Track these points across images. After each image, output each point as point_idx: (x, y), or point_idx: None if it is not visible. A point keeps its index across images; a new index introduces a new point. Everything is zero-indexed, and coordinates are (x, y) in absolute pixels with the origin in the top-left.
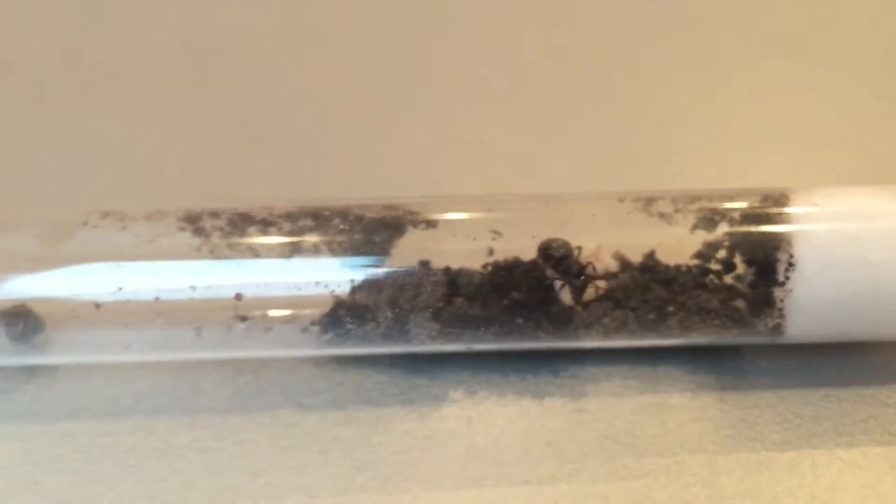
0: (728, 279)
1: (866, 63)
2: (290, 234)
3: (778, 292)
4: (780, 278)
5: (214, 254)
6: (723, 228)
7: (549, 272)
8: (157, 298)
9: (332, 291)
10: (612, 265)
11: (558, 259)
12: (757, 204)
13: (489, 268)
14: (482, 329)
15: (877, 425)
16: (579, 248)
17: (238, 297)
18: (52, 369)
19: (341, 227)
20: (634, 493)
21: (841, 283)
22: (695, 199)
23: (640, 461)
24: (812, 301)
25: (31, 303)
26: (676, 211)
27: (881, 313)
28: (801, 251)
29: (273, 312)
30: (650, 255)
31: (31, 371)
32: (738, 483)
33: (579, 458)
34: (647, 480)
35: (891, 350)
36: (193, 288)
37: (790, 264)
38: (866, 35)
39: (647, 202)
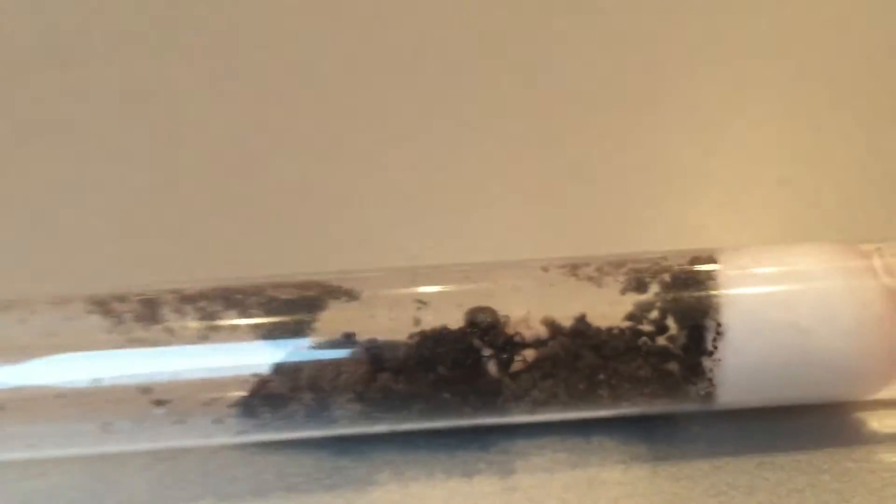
0: (661, 341)
1: (795, 121)
2: (205, 317)
3: (707, 362)
4: (709, 347)
5: (125, 338)
6: (654, 289)
7: (476, 342)
8: (59, 396)
9: (251, 374)
10: (542, 331)
11: (485, 328)
12: (685, 266)
13: (416, 338)
14: (408, 407)
15: (812, 495)
16: (507, 316)
17: (146, 390)
18: None
19: (256, 308)
20: None
21: (771, 349)
22: (621, 263)
23: None
24: (742, 369)
25: None
26: (605, 275)
27: (813, 377)
28: (729, 317)
29: (188, 398)
30: (581, 319)
31: None
32: None
33: None
34: None
35: (825, 411)
36: (99, 380)
37: (718, 332)
38: (792, 86)
39: (573, 268)
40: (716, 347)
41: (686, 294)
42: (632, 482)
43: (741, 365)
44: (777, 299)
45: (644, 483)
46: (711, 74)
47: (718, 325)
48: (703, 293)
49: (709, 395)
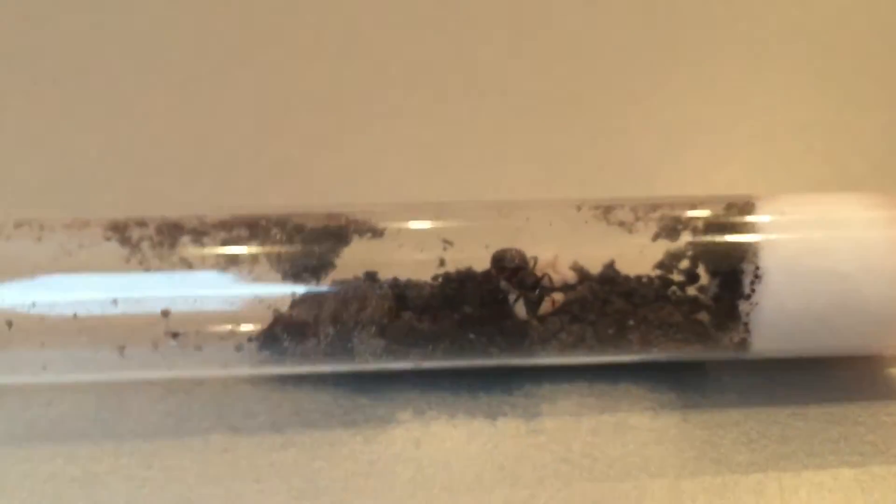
0: (691, 291)
1: (831, 70)
2: (225, 243)
3: (743, 306)
4: (746, 291)
5: (143, 265)
6: (685, 238)
7: (503, 284)
8: (75, 315)
9: (270, 306)
10: (570, 276)
11: (512, 270)
12: (721, 212)
13: (440, 280)
14: (431, 345)
15: (846, 445)
16: (535, 258)
17: (165, 313)
18: None
19: (280, 237)
20: None
21: (809, 295)
22: (656, 207)
23: (598, 486)
24: (779, 315)
25: None
26: (637, 219)
27: (851, 326)
28: (767, 262)
29: (205, 329)
30: (610, 266)
31: None
32: None
33: (534, 483)
34: None
35: (860, 365)
36: (115, 303)
37: (756, 276)
38: (830, 44)
39: (606, 210)
40: (753, 291)
41: (722, 239)
42: (661, 428)
43: (778, 310)
44: (817, 245)
45: (674, 430)
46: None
47: (757, 268)
48: (740, 238)
49: (743, 342)
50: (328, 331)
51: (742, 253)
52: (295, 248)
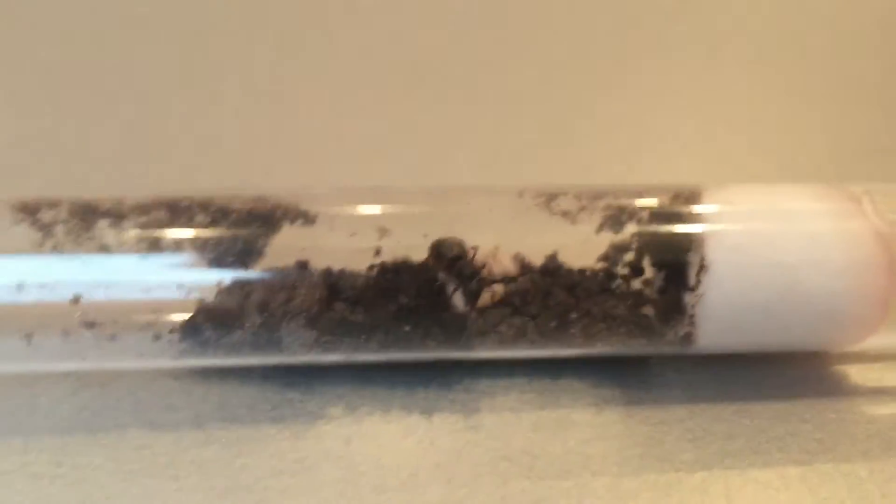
0: (636, 284)
1: (779, 61)
2: (146, 227)
3: (689, 297)
4: (692, 282)
5: (56, 249)
6: (631, 229)
7: (442, 275)
8: None
9: (193, 295)
10: (511, 268)
11: (451, 260)
12: (667, 202)
13: (375, 270)
14: (365, 337)
15: (793, 443)
16: (475, 248)
17: (76, 300)
18: None
19: (204, 221)
20: None
21: (755, 286)
22: (600, 195)
23: (537, 484)
24: (725, 307)
25: None
26: (581, 209)
27: (796, 319)
28: (714, 253)
29: (122, 318)
30: (552, 258)
31: None
32: None
33: (471, 481)
34: None
35: (805, 363)
36: (21, 288)
37: (702, 267)
38: (779, 33)
39: (549, 198)
40: (699, 282)
41: (668, 230)
42: (604, 424)
43: (724, 302)
44: (764, 237)
45: (617, 425)
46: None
47: (703, 259)
48: (687, 228)
49: (688, 336)
50: (254, 321)
51: (688, 244)
52: (221, 233)
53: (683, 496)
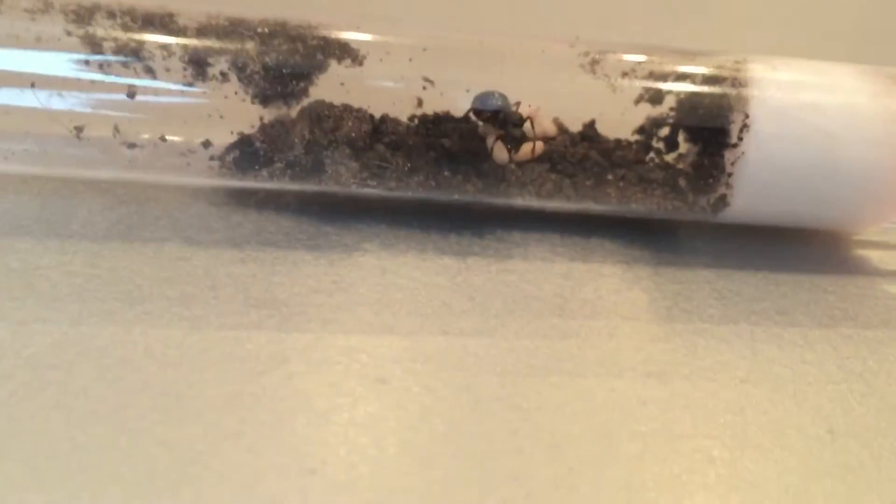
0: (670, 158)
1: None
2: (199, 45)
3: (729, 155)
4: (734, 140)
5: (104, 70)
6: (669, 101)
7: (482, 127)
8: (32, 85)
9: (243, 119)
10: (551, 129)
11: (493, 113)
12: (713, 65)
13: (416, 120)
14: (406, 177)
15: (817, 309)
16: (517, 103)
17: (132, 94)
18: None
19: (257, 47)
20: (563, 351)
21: (795, 149)
22: (647, 54)
23: (569, 322)
24: (764, 167)
25: None
26: (623, 75)
27: (834, 187)
28: (757, 112)
29: (172, 124)
30: (590, 125)
31: None
32: (671, 351)
33: (504, 314)
34: (576, 340)
35: (832, 243)
36: (79, 79)
37: (745, 126)
38: None
39: (598, 55)
40: (741, 139)
41: (713, 88)
42: (634, 279)
43: (764, 162)
44: (807, 104)
45: (646, 281)
46: None
47: (746, 116)
48: (731, 88)
49: (723, 199)
50: (303, 136)
51: (733, 103)
52: (270, 65)
53: (709, 344)
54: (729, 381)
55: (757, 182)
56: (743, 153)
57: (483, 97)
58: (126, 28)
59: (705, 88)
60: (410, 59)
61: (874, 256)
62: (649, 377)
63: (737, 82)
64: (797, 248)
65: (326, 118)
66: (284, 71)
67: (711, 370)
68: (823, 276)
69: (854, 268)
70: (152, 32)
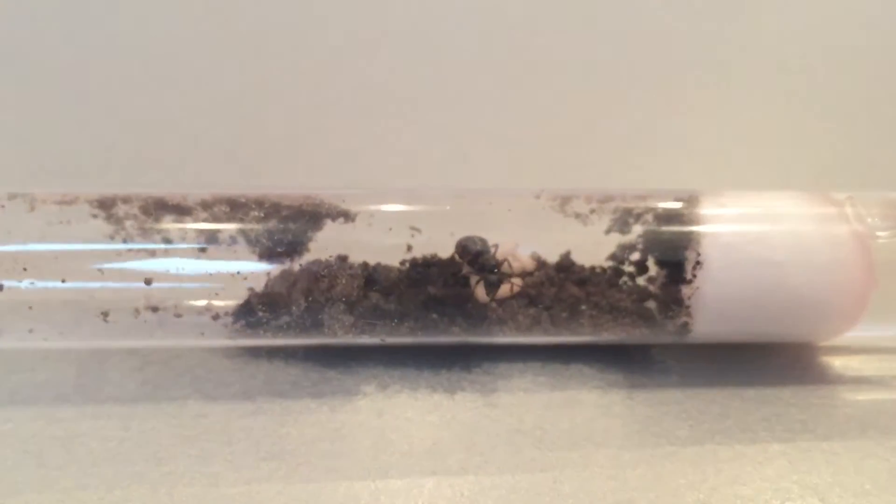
0: (641, 280)
1: (777, 81)
2: (206, 221)
3: (686, 290)
4: (689, 276)
5: (127, 242)
6: (637, 230)
7: (466, 269)
8: (63, 281)
9: (246, 280)
10: (529, 264)
11: (475, 255)
12: (668, 204)
13: (407, 264)
14: (396, 322)
15: (778, 423)
16: (496, 245)
17: (148, 281)
18: None
19: (258, 216)
20: (541, 485)
21: (746, 280)
22: (609, 198)
23: (547, 454)
24: (718, 298)
25: None
26: (592, 212)
27: (783, 311)
28: (708, 250)
29: (185, 300)
30: (566, 256)
31: None
32: (642, 475)
33: (488, 450)
34: (553, 472)
35: (793, 353)
36: (102, 272)
37: (698, 262)
38: (780, 55)
39: (564, 201)
40: (695, 276)
41: (668, 230)
42: (608, 404)
43: (718, 294)
44: (754, 236)
45: (619, 406)
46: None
47: (698, 254)
48: (684, 227)
49: (685, 325)
50: (300, 304)
51: (686, 241)
52: (271, 228)
53: (677, 467)
54: None
55: (713, 311)
56: (698, 288)
57: (465, 242)
58: (145, 211)
59: (663, 228)
60: (398, 213)
61: (837, 363)
62: None
63: (689, 221)
64: (762, 360)
65: (322, 278)
66: (285, 230)
67: (676, 494)
68: (786, 387)
69: (816, 377)
70: (166, 212)
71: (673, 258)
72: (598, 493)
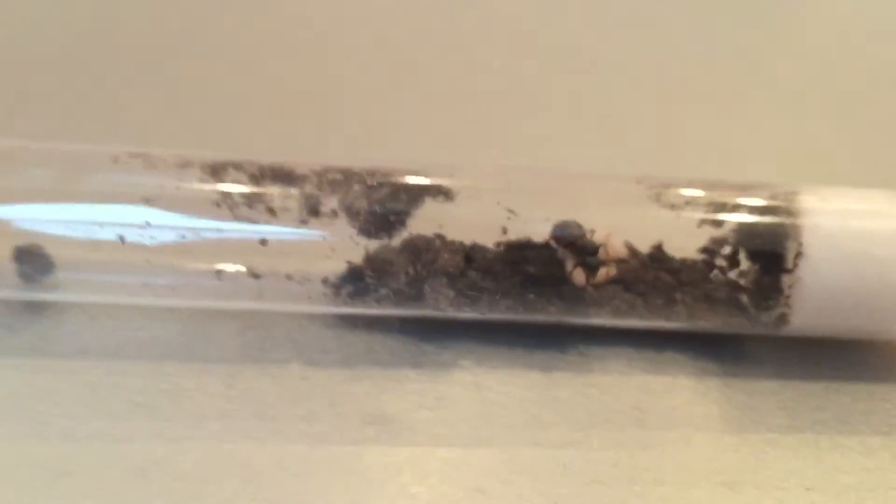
0: (732, 275)
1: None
2: (314, 189)
3: (786, 280)
4: (790, 266)
5: (232, 212)
6: (730, 224)
7: (561, 252)
8: (183, 237)
9: (351, 250)
10: (622, 252)
11: (571, 240)
12: (768, 197)
13: (501, 247)
14: (495, 299)
15: (876, 418)
16: (592, 230)
17: (263, 242)
18: (59, 311)
19: (363, 188)
20: (643, 462)
21: (847, 274)
22: (707, 188)
23: (648, 433)
24: (818, 290)
25: (50, 239)
26: (686, 203)
27: (883, 307)
28: (810, 241)
29: (294, 265)
30: (658, 247)
31: (39, 310)
32: (744, 459)
33: (588, 426)
34: (655, 451)
35: (886, 350)
36: (220, 230)
37: (799, 253)
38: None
39: (662, 188)
40: (796, 265)
41: (769, 220)
42: (705, 391)
43: (819, 286)
44: (856, 230)
45: (716, 392)
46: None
47: (800, 244)
48: (786, 218)
49: (783, 317)
50: (406, 271)
51: (788, 232)
52: (374, 202)
53: (778, 453)
54: (796, 489)
55: (813, 303)
56: (799, 278)
57: (561, 226)
58: (252, 179)
59: (762, 218)
60: (495, 194)
61: None
62: (723, 486)
63: (791, 213)
64: (856, 357)
65: (425, 251)
66: (385, 208)
67: (779, 478)
68: (881, 384)
69: None
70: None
71: (772, 249)
72: (702, 473)
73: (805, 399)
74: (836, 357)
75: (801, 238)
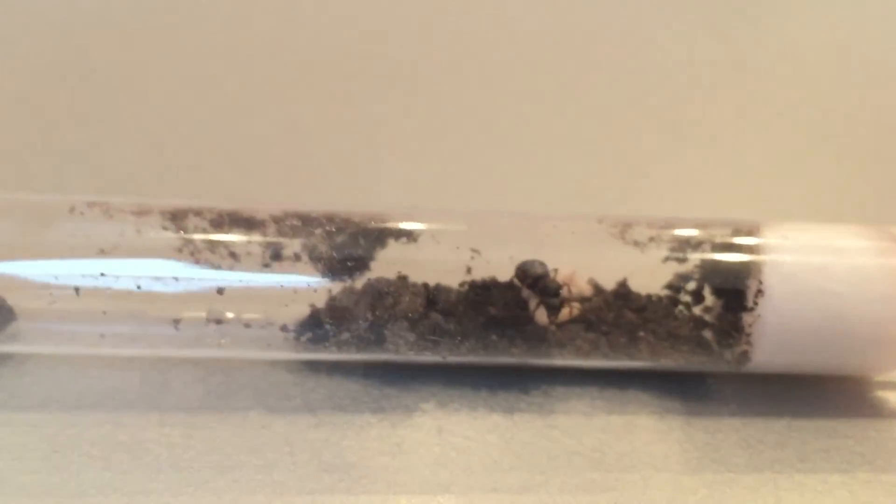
0: (697, 310)
1: (832, 112)
2: (275, 235)
3: (747, 318)
4: (750, 304)
5: (194, 257)
6: (694, 260)
7: (526, 292)
8: (139, 287)
9: (316, 292)
10: (586, 290)
11: (535, 279)
12: (729, 234)
13: (466, 286)
14: (457, 341)
15: (837, 455)
16: (555, 270)
17: (220, 291)
18: (19, 361)
19: (326, 232)
20: None
21: (806, 310)
22: (669, 226)
23: (606, 476)
24: (779, 327)
25: (4, 291)
26: (650, 240)
27: (843, 342)
28: (770, 279)
29: (252, 312)
30: (623, 284)
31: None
32: (702, 501)
33: (548, 470)
34: (613, 494)
35: (849, 386)
36: (177, 279)
37: (760, 291)
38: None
39: (625, 227)
40: (756, 304)
41: (729, 257)
42: (666, 430)
43: (778, 322)
44: (815, 267)
45: (678, 432)
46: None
47: (760, 282)
48: (746, 256)
49: (745, 354)
50: (367, 318)
51: (748, 270)
52: (337, 244)
53: (736, 493)
54: None
55: (774, 340)
56: (759, 315)
57: (525, 265)
58: (214, 224)
59: (723, 256)
60: (458, 236)
61: (893, 398)
62: None
63: (751, 250)
64: (818, 392)
65: (386, 295)
66: (347, 252)
67: None
68: (842, 420)
69: (872, 411)
70: (234, 228)
71: (733, 286)
72: None
73: (766, 436)
74: (799, 393)
75: (761, 276)
